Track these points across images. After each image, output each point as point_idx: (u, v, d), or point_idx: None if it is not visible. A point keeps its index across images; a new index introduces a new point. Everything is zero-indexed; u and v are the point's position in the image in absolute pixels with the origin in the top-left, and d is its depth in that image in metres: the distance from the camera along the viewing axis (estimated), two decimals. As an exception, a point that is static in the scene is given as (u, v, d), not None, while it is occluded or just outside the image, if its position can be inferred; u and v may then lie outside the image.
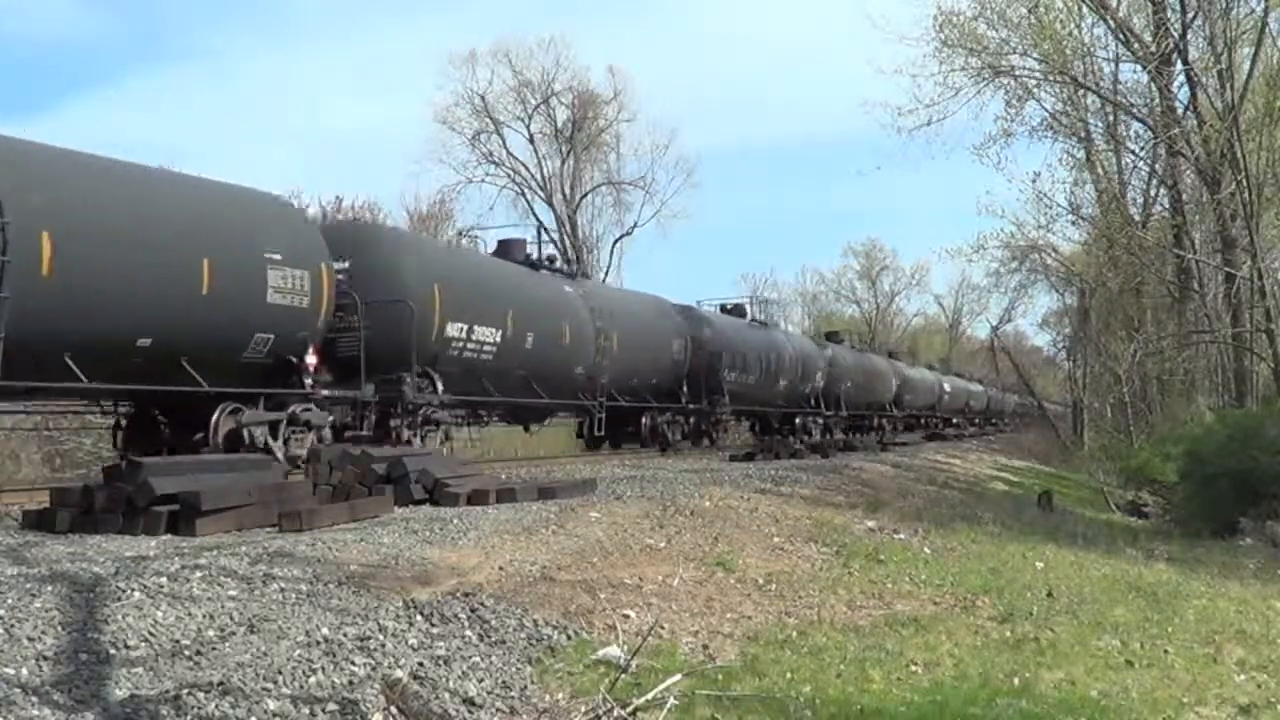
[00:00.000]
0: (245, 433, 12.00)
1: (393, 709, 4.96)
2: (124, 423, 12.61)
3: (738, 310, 31.24)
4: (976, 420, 63.83)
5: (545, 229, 45.87)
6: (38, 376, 10.18)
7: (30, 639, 5.08)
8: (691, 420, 25.16)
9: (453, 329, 15.54)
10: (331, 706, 4.95)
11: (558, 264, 22.75)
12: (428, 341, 14.96)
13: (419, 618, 6.33)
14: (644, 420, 23.15)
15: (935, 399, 51.61)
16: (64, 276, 9.82)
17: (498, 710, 5.40)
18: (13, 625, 5.18)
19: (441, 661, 5.79)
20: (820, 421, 33.67)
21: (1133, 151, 27.77)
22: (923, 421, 49.29)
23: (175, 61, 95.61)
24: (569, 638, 6.56)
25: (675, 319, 24.83)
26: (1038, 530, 14.08)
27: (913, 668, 6.54)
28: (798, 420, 32.31)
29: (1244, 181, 19.07)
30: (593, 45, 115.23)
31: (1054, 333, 56.33)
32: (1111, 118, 26.52)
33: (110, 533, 8.48)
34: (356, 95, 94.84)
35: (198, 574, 6.39)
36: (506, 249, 19.54)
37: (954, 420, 56.71)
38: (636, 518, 10.71)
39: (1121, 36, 23.20)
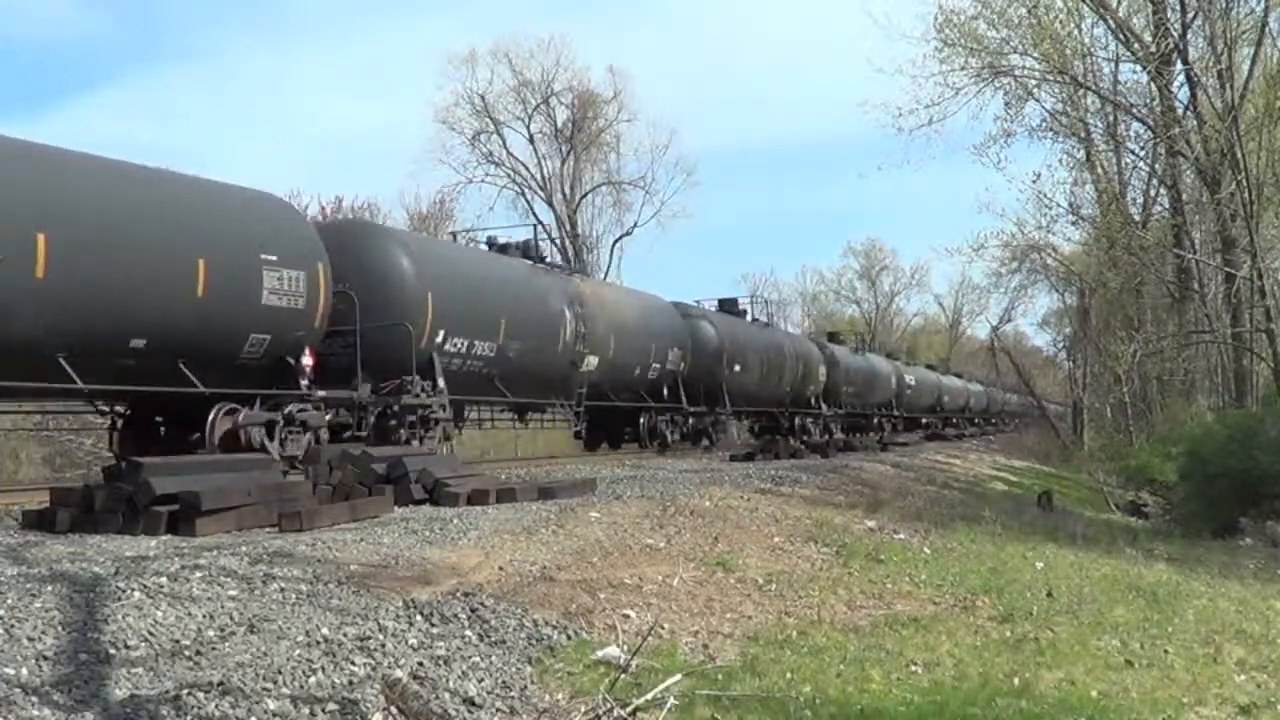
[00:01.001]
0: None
1: (393, 709, 4.96)
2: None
3: (512, 249, 19.35)
4: (955, 420, 56.90)
5: (545, 228, 45.89)
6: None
7: (30, 639, 5.08)
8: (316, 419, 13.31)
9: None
10: (331, 706, 4.95)
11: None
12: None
13: (419, 618, 6.33)
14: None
15: (892, 394, 42.44)
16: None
17: (498, 710, 5.40)
18: (13, 625, 5.18)
19: (441, 661, 5.79)
20: (679, 420, 24.09)
21: (1133, 151, 27.88)
22: (877, 422, 40.84)
23: (175, 61, 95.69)
24: (569, 638, 6.55)
25: (294, 241, 13.17)
26: (1038, 530, 14.07)
27: (913, 668, 6.54)
28: (642, 420, 22.85)
29: (1244, 181, 19.07)
30: (593, 45, 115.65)
31: (1054, 333, 56.33)
32: (1111, 118, 26.56)
33: (110, 533, 8.48)
34: (356, 95, 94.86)
35: (198, 574, 6.39)
36: None
37: (924, 420, 49.10)
38: (636, 518, 10.71)
39: (1121, 36, 23.25)
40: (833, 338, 40.42)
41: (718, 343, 25.35)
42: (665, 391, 23.49)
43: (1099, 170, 28.60)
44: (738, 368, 26.11)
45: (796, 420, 31.63)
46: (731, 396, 25.85)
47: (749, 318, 30.31)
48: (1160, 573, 10.85)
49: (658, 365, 22.82)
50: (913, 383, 45.92)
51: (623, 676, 5.78)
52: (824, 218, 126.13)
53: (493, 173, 46.18)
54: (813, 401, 32.69)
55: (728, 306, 29.45)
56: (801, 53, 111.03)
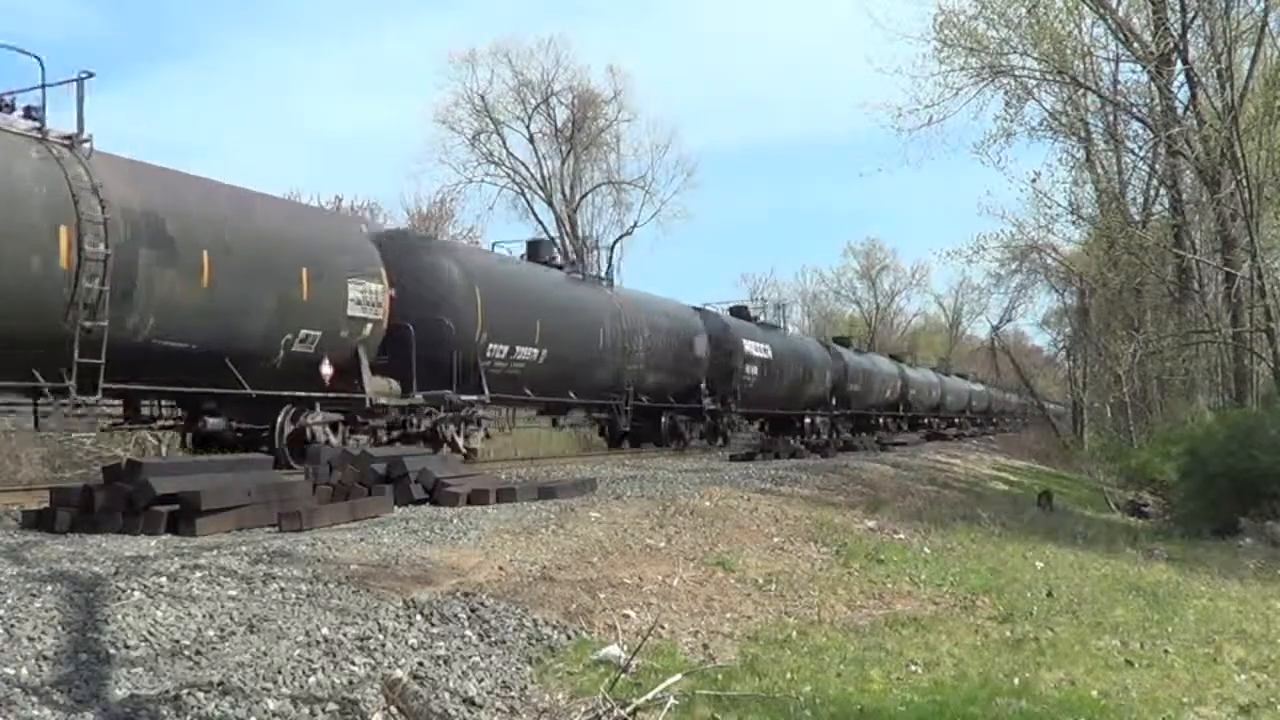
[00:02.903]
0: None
1: (393, 709, 4.96)
2: None
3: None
4: (957, 420, 51.64)
5: (545, 228, 46.00)
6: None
7: (30, 639, 5.08)
8: None
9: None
10: (331, 706, 4.95)
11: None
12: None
13: (419, 617, 6.33)
14: None
15: (898, 395, 38.32)
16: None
17: (498, 710, 5.40)
18: (13, 625, 5.18)
19: (441, 661, 5.79)
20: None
21: (1133, 151, 27.86)
22: (881, 422, 36.75)
23: (175, 60, 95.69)
24: (569, 638, 6.56)
25: None
26: (1038, 530, 14.08)
27: (913, 668, 6.54)
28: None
29: (1244, 181, 19.05)
30: (593, 45, 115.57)
31: (1054, 333, 56.23)
32: (1111, 118, 26.58)
33: (110, 532, 8.46)
34: (357, 95, 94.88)
35: (198, 574, 6.39)
36: None
37: (925, 420, 44.12)
38: (636, 517, 10.70)
39: (1121, 36, 23.23)
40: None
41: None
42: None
43: (1099, 170, 28.62)
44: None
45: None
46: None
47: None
48: (1160, 573, 10.85)
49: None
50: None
51: (623, 676, 5.79)
52: (824, 218, 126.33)
53: (493, 173, 46.16)
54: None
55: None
56: (801, 53, 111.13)
